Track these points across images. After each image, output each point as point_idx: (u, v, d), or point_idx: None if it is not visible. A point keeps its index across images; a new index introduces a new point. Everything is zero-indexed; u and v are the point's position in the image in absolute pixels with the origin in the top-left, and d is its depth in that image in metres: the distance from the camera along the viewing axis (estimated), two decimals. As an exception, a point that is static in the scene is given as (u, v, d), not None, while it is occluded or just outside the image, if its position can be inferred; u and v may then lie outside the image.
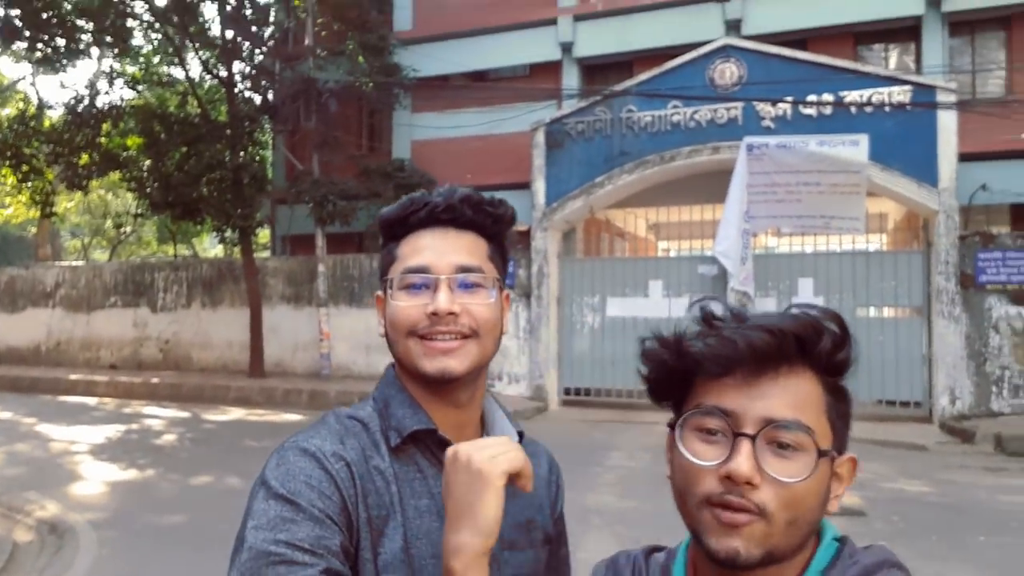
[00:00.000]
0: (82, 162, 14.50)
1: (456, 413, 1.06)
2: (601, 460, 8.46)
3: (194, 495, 7.04)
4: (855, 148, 10.70)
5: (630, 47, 14.85)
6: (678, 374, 0.89)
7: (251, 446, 9.32)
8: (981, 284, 10.65)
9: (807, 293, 11.66)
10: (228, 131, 14.20)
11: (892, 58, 13.99)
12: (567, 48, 15.29)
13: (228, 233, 14.67)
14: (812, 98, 11.36)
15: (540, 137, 13.17)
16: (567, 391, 13.08)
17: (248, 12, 14.28)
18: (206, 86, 16.96)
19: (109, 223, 22.71)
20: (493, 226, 1.08)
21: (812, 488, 0.83)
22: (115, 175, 15.31)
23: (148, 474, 7.76)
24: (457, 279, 1.03)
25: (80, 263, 20.88)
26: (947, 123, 10.71)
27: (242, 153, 13.74)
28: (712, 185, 11.91)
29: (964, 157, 11.20)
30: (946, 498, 6.74)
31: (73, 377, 15.16)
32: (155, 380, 14.55)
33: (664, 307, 12.37)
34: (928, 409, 10.89)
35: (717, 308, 0.91)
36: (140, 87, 14.86)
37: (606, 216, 15.52)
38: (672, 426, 0.91)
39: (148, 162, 14.00)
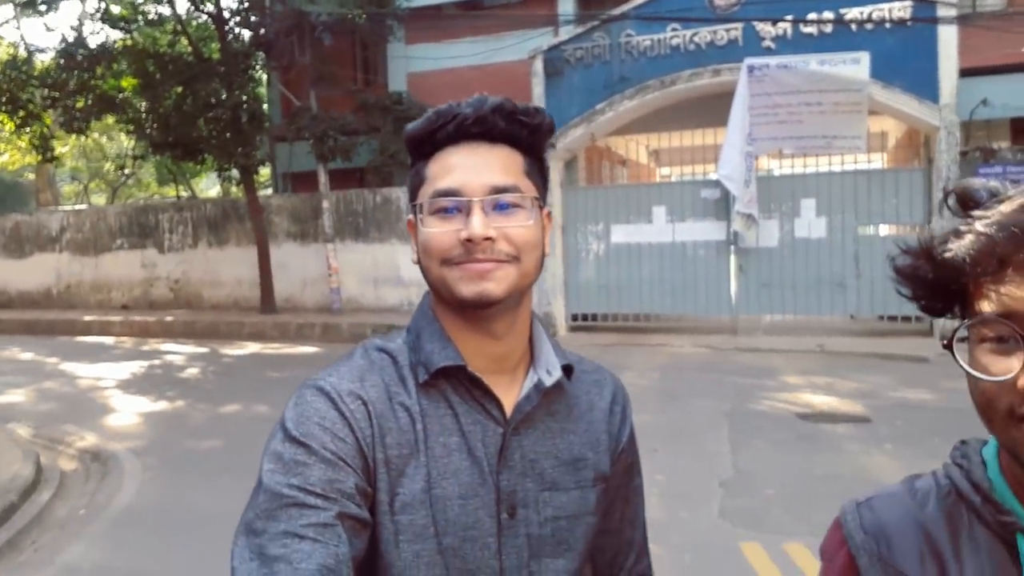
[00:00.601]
0: (78, 105, 14.44)
1: (494, 344, 0.99)
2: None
3: (225, 423, 7.37)
4: (856, 66, 10.71)
5: (628, -32, 14.60)
6: (943, 288, 0.77)
7: (273, 376, 9.64)
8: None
9: (809, 214, 11.82)
10: (222, 68, 14.10)
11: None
12: (563, -29, 15.06)
13: (231, 172, 14.66)
14: (812, 16, 11.28)
15: (538, 65, 13.09)
16: (574, 317, 13.37)
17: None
18: (194, 23, 16.70)
19: (108, 166, 22.63)
20: (529, 137, 1.00)
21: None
22: (111, 117, 15.23)
23: (178, 404, 8.09)
24: (492, 200, 0.95)
25: (83, 207, 20.89)
26: (948, 38, 10.68)
27: (239, 91, 13.66)
28: (713, 109, 11.93)
29: (965, 72, 11.19)
30: (948, 403, 7.07)
31: (87, 318, 15.45)
32: (169, 318, 14.83)
33: (668, 232, 12.54)
34: (929, 323, 11.18)
35: (974, 190, 0.77)
36: (131, 27, 14.62)
37: (607, 144, 15.54)
38: (948, 345, 0.78)
39: (145, 103, 13.93)
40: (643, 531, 1.16)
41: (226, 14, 14.71)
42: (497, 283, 0.93)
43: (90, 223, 17.79)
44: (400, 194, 14.59)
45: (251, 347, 12.57)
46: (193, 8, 15.48)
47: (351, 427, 0.91)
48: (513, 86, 14.50)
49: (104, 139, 23.30)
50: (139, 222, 17.13)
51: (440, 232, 0.95)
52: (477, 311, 0.96)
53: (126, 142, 20.52)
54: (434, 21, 15.88)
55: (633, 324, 12.65)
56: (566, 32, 13.45)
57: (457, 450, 0.95)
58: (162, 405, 8.07)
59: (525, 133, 0.99)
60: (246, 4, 14.40)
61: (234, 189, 19.92)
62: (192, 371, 10.27)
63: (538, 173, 1.02)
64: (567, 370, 1.03)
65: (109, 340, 13.99)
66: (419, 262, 1.00)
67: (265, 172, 19.88)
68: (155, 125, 13.68)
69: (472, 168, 0.96)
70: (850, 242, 11.58)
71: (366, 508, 0.89)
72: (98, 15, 14.11)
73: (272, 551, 0.81)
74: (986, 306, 0.72)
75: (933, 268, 0.76)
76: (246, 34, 15.13)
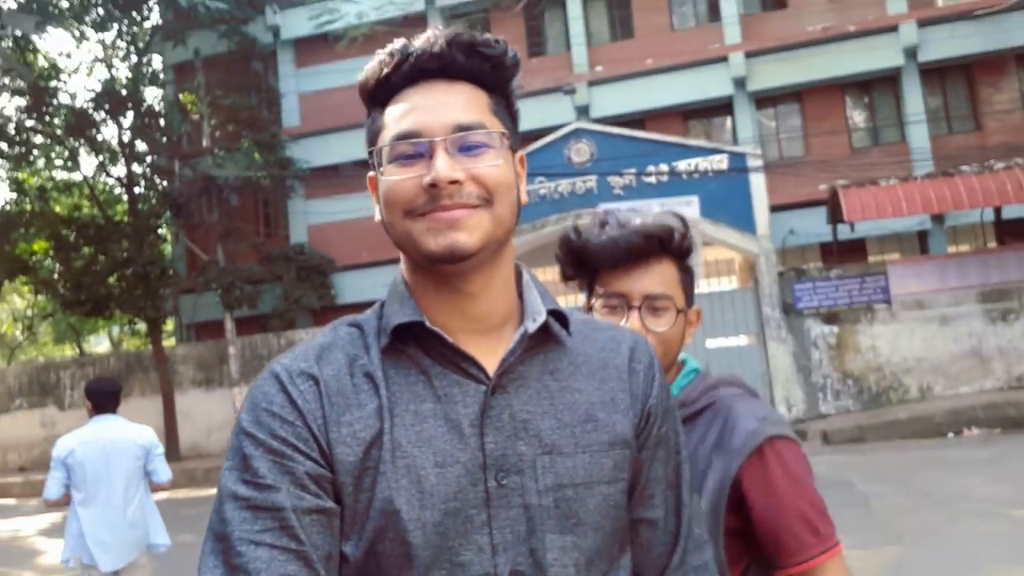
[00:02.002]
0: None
1: (469, 303, 0.91)
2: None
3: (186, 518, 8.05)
4: (688, 207, 12.98)
5: (498, 132, 16.94)
6: (581, 262, 1.31)
7: (190, 513, 10.25)
8: (799, 310, 13.01)
9: (666, 331, 13.74)
10: (130, 229, 15.18)
11: (714, 131, 16.71)
12: (443, 136, 17.27)
13: (138, 326, 15.42)
14: (651, 169, 13.63)
15: (427, 215, 14.88)
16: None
17: (147, 120, 15.45)
18: (102, 186, 17.78)
19: (7, 327, 22.63)
20: (493, 73, 0.92)
21: (676, 333, 1.27)
22: (21, 279, 15.86)
23: (106, 542, 8.65)
24: (456, 140, 0.87)
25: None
26: (758, 183, 13.18)
27: (148, 250, 14.73)
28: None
29: (776, 208, 13.71)
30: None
31: (-16, 482, 15.29)
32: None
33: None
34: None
35: (610, 218, 1.31)
36: (45, 195, 15.60)
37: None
38: (589, 306, 1.32)
39: (58, 265, 14.75)
40: (691, 519, 1.00)
41: (135, 177, 15.95)
42: (469, 232, 0.85)
43: (-14, 384, 17.79)
44: (304, 336, 15.66)
45: (160, 495, 12.95)
46: (103, 173, 16.61)
47: (299, 410, 0.85)
48: (404, 234, 16.23)
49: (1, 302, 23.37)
50: (39, 381, 17.32)
51: (401, 179, 0.87)
52: (449, 266, 0.87)
53: (22, 303, 20.76)
54: (331, 178, 17.59)
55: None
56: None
57: (431, 416, 0.87)
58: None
59: (487, 67, 0.91)
60: (154, 172, 15.70)
61: (137, 342, 20.38)
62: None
63: (505, 112, 0.95)
64: (559, 317, 0.94)
65: (11, 501, 13.97)
66: (383, 222, 0.92)
67: (169, 323, 20.51)
68: (67, 284, 14.46)
69: (432, 107, 0.88)
70: (702, 352, 13.47)
71: (327, 494, 0.84)
72: (12, 184, 15.04)
73: (233, 560, 0.79)
74: (608, 289, 1.29)
75: (581, 246, 1.30)
76: (152, 194, 16.34)
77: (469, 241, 0.86)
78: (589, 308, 1.30)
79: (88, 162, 16.38)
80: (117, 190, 16.77)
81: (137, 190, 15.98)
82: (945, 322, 12.51)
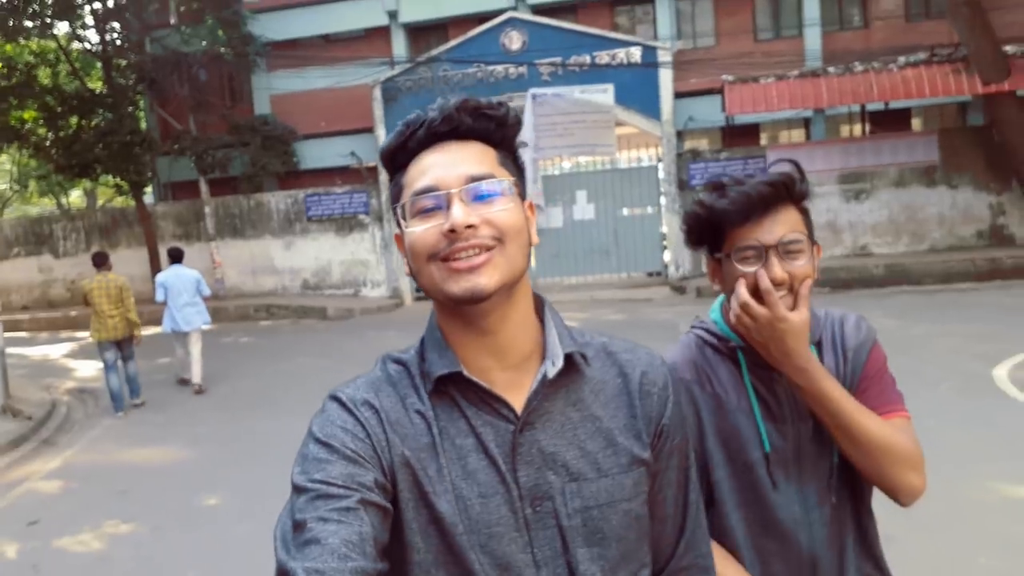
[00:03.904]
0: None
1: (490, 339, 1.01)
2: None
3: (161, 367, 10.65)
4: (605, 95, 15.00)
5: (444, 14, 18.45)
6: (710, 227, 1.37)
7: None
8: (693, 186, 15.42)
9: (583, 202, 16.11)
10: (109, 100, 16.82)
11: (637, 20, 18.36)
12: (393, 15, 18.69)
13: (124, 186, 17.41)
14: (574, 59, 15.50)
15: (377, 92, 16.69)
16: (417, 290, 17.11)
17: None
18: (75, 53, 19.07)
19: (3, 185, 24.36)
20: (498, 131, 1.03)
21: (810, 270, 1.34)
22: (14, 146, 17.56)
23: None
24: (470, 190, 0.97)
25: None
26: (665, 74, 15.17)
27: (128, 121, 16.47)
28: (511, 125, 15.95)
29: (685, 95, 15.76)
30: (634, 319, 11.39)
31: (-3, 319, 17.74)
32: (73, 313, 17.40)
33: (484, 219, 16.52)
34: (665, 276, 15.75)
35: (726, 180, 1.38)
36: (33, 69, 16.98)
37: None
38: (718, 260, 1.39)
39: (50, 133, 16.47)
40: (696, 517, 1.12)
41: (111, 51, 17.32)
42: (487, 277, 0.95)
43: (-16, 235, 19.82)
44: (270, 198, 17.79)
45: (153, 329, 15.53)
46: (75, 40, 17.92)
47: (367, 431, 0.97)
48: (361, 106, 18.03)
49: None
50: (34, 232, 19.39)
51: (423, 230, 0.97)
52: (471, 307, 0.98)
53: (10, 165, 22.41)
54: (291, 51, 19.05)
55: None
56: (399, 66, 17.10)
57: (473, 451, 0.99)
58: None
59: (493, 126, 1.02)
60: (125, 44, 17.12)
61: (109, 193, 22.25)
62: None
63: (512, 164, 1.04)
64: (580, 356, 1.04)
65: (23, 334, 16.46)
66: (410, 271, 1.02)
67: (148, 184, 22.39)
68: (59, 151, 16.26)
69: (446, 164, 0.98)
70: (612, 221, 15.96)
71: (387, 501, 0.94)
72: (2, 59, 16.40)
73: (304, 537, 0.87)
74: (741, 243, 1.33)
75: (709, 213, 1.36)
76: (126, 66, 17.79)
77: (488, 284, 0.95)
78: (717, 265, 1.40)
79: (60, 27, 17.57)
80: (92, 59, 18.06)
81: (113, 64, 17.41)
82: (809, 199, 15.02)
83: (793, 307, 1.30)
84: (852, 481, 1.39)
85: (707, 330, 1.47)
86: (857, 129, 17.17)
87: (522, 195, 1.04)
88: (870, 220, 14.99)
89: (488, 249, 0.96)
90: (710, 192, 1.38)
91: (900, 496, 1.32)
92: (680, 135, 16.01)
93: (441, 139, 1.01)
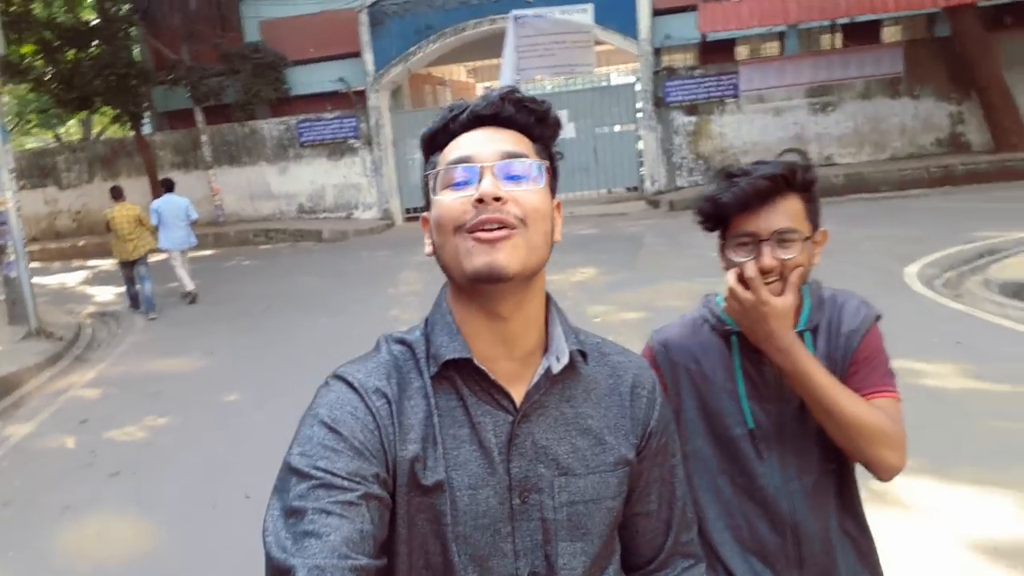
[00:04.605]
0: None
1: (501, 325, 1.02)
2: (424, 242, 13.58)
3: (173, 289, 11.63)
4: (584, 14, 15.44)
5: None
6: (716, 216, 1.47)
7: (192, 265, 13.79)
8: (668, 103, 16.03)
9: (564, 121, 16.65)
10: (104, 32, 17.23)
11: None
12: (376, -63, 18.80)
13: (124, 118, 18.02)
14: (552, -21, 15.85)
15: (364, 17, 17.09)
16: (407, 211, 17.95)
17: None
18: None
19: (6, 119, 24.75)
20: (537, 126, 1.05)
21: (803, 259, 1.41)
22: (16, 80, 18.00)
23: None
24: (503, 167, 0.99)
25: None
26: (642, -6, 15.57)
27: (123, 53, 16.93)
28: (494, 46, 16.43)
29: (663, 11, 16.16)
30: (606, 232, 12.28)
31: (10, 249, 18.61)
32: (81, 243, 18.29)
33: (469, 141, 17.17)
34: (642, 191, 16.54)
35: (733, 169, 1.45)
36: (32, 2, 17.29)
37: (428, 71, 19.77)
38: (723, 246, 1.47)
39: (49, 67, 16.97)
40: (682, 508, 1.17)
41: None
42: (507, 254, 0.95)
43: (-12, 168, 20.46)
44: (263, 125, 18.38)
45: (159, 256, 16.46)
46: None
47: (377, 423, 0.97)
48: (346, 31, 18.37)
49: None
50: (39, 164, 20.05)
51: (452, 199, 0.98)
52: (487, 286, 0.97)
53: (8, 98, 22.78)
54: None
55: (450, 210, 17.39)
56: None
57: (467, 441, 0.99)
58: (123, 288, 12.19)
59: (533, 120, 1.04)
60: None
61: (103, 121, 22.72)
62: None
63: (546, 158, 1.06)
64: (579, 354, 1.06)
65: (36, 264, 17.35)
66: (434, 249, 1.04)
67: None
68: (59, 85, 16.80)
69: (483, 141, 1.01)
70: (591, 139, 16.64)
71: (388, 493, 0.95)
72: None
73: (303, 527, 0.86)
74: (737, 230, 1.43)
75: (714, 207, 1.46)
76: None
77: (508, 264, 0.95)
78: (723, 248, 1.48)
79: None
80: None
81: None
82: (778, 113, 15.71)
83: (781, 293, 1.39)
84: (836, 456, 1.46)
85: (711, 311, 1.56)
86: (832, 42, 17.61)
87: (552, 185, 1.06)
88: (836, 132, 15.67)
89: (511, 228, 0.96)
90: (719, 182, 1.46)
91: (878, 472, 1.39)
92: (658, 52, 16.46)
93: (482, 124, 1.04)
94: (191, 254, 11.29)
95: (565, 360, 1.03)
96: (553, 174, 1.07)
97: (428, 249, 1.06)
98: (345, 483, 0.90)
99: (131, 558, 3.99)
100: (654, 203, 15.50)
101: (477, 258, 0.96)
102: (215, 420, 5.96)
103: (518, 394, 1.02)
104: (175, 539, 4.11)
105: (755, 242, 1.40)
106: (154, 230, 10.47)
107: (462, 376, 1.01)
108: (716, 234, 1.50)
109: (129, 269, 10.42)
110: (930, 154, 15.27)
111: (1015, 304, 6.65)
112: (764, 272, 1.38)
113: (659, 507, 1.14)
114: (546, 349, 1.05)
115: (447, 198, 0.99)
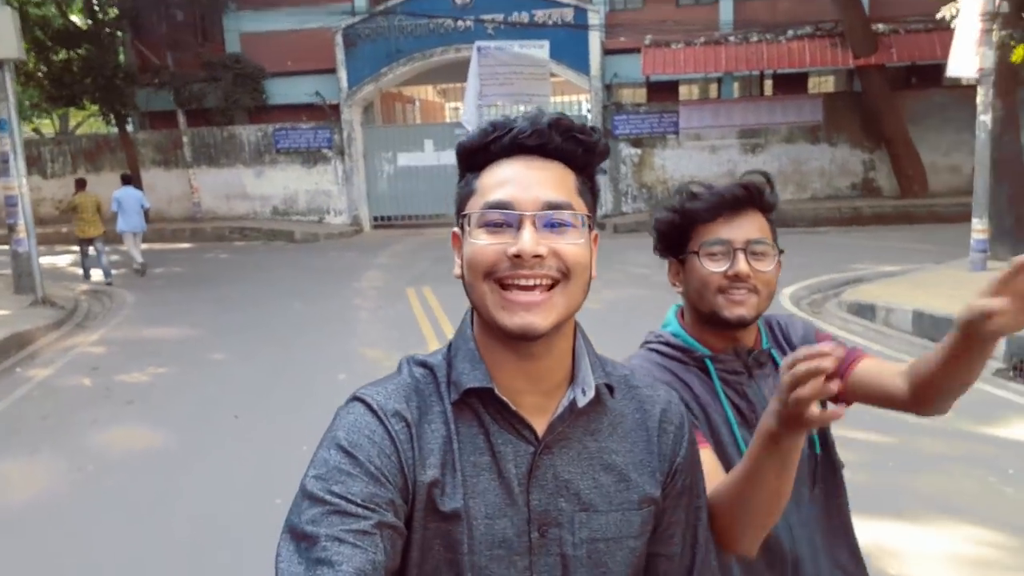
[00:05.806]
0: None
1: (530, 364, 0.99)
2: (388, 247, 15.07)
3: (165, 274, 12.94)
4: (541, 50, 17.11)
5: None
6: (678, 229, 1.42)
7: (170, 254, 15.08)
8: (616, 136, 17.78)
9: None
10: (93, 36, 18.51)
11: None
12: (356, -35, 20.40)
13: (110, 116, 19.26)
14: (516, 16, 17.55)
15: (339, 38, 18.60)
16: (375, 218, 19.40)
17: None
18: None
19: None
20: (583, 156, 1.00)
21: (775, 275, 1.41)
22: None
23: (122, 271, 13.46)
24: (544, 217, 0.94)
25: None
26: (594, 34, 17.33)
27: (111, 56, 18.23)
28: (459, 72, 18.04)
29: (614, 52, 17.94)
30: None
31: (-8, 233, 19.64)
32: (64, 229, 19.34)
33: (435, 158, 18.72)
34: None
35: (694, 187, 1.44)
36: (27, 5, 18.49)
37: (399, 90, 21.31)
38: (681, 261, 1.44)
39: (42, 65, 18.17)
40: (705, 552, 1.10)
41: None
42: (543, 316, 0.93)
43: (-28, 155, 21.45)
44: (242, 130, 19.73)
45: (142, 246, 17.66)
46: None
47: (396, 447, 0.94)
48: (322, 49, 19.84)
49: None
50: (26, 155, 21.02)
51: (487, 245, 0.94)
52: (520, 342, 0.96)
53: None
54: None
55: (413, 222, 18.93)
56: (360, 15, 18.94)
57: (486, 469, 0.97)
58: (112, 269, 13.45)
59: (580, 151, 0.99)
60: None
61: (80, 115, 23.80)
62: (113, 257, 15.46)
63: (589, 193, 1.01)
64: (606, 388, 1.03)
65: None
66: (462, 276, 0.99)
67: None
68: (51, 83, 18.01)
69: (525, 182, 0.95)
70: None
71: (402, 521, 0.93)
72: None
73: (315, 554, 0.84)
74: (710, 237, 1.39)
75: (681, 216, 1.42)
76: (106, 3, 19.36)
77: (543, 324, 0.92)
78: (680, 266, 1.45)
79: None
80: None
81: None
82: (713, 151, 17.56)
83: (757, 310, 1.40)
84: (829, 480, 1.47)
85: (666, 343, 1.48)
86: (764, 89, 19.59)
87: (592, 226, 1.00)
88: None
89: (551, 285, 0.94)
90: (682, 196, 1.43)
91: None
92: (608, 88, 18.23)
93: (525, 151, 0.98)
94: (156, 245, 13.03)
95: (591, 394, 1.00)
96: (595, 201, 1.03)
97: (456, 271, 1.02)
98: (359, 510, 0.88)
99: (148, 451, 5.43)
100: (599, 225, 17.08)
101: (509, 318, 0.93)
102: (206, 371, 7.37)
103: (541, 425, 0.99)
104: (180, 441, 5.56)
105: (729, 251, 1.38)
106: (113, 215, 13.00)
107: (483, 404, 0.99)
108: (663, 259, 1.51)
109: (86, 245, 12.78)
110: (845, 196, 17.21)
111: (855, 319, 8.38)
112: (738, 279, 1.37)
113: (682, 551, 1.08)
114: (572, 380, 1.03)
115: (481, 241, 0.95)
